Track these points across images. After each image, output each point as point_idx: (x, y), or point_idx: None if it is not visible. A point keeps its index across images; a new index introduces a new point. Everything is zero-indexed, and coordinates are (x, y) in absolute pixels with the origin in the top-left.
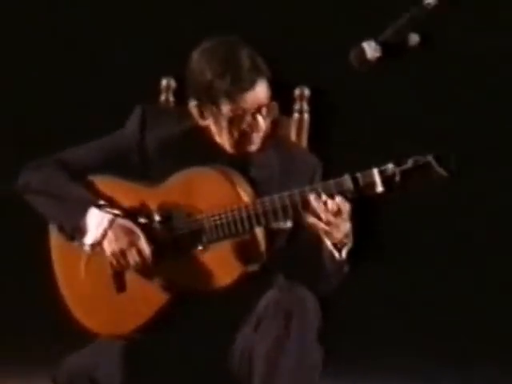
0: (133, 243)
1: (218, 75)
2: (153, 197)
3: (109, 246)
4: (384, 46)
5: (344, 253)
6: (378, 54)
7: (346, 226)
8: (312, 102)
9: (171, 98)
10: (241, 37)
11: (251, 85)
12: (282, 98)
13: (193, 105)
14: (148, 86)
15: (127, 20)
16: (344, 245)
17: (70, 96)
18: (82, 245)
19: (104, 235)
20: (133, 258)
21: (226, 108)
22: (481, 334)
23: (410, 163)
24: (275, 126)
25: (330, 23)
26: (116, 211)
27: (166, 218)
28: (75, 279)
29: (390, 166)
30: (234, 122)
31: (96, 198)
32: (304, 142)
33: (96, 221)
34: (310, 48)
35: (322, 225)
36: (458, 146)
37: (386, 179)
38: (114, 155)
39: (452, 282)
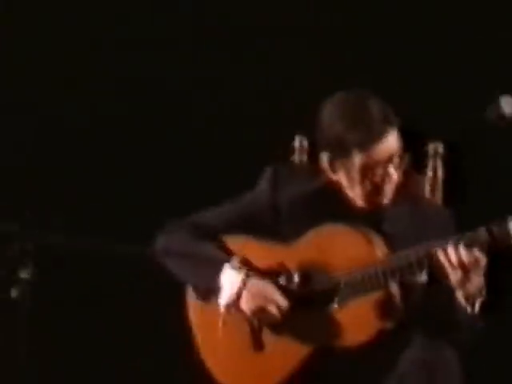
0: (269, 299)
1: (350, 127)
2: (288, 256)
3: (245, 305)
4: None
5: (477, 307)
6: None
7: (480, 280)
8: (445, 157)
9: (304, 158)
10: (372, 90)
11: (383, 135)
12: (414, 151)
13: (325, 158)
14: (279, 146)
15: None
16: (477, 299)
17: (202, 156)
18: (218, 305)
19: (239, 294)
20: (271, 313)
21: (358, 160)
22: None
23: None
24: (407, 178)
25: (462, 74)
26: (248, 269)
27: (305, 277)
28: (213, 340)
29: None
30: (366, 173)
31: (229, 257)
32: (438, 200)
33: (231, 280)
34: (442, 99)
35: (456, 278)
36: None
37: None
38: (246, 217)
39: None
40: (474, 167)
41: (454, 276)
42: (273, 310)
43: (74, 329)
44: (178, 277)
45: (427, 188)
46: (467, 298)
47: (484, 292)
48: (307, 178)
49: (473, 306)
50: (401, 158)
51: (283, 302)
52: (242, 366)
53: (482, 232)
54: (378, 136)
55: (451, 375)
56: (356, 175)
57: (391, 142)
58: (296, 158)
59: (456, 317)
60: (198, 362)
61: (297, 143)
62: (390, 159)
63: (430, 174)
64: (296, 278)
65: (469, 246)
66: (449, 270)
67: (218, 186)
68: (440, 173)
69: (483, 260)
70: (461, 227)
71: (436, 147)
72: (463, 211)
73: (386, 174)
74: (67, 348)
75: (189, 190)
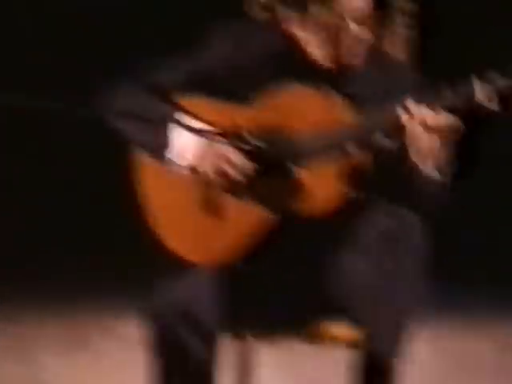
0: (228, 160)
1: None
2: (246, 117)
3: (204, 165)
4: None
5: (446, 175)
6: None
7: (449, 146)
8: (416, 15)
9: (264, 13)
10: None
11: None
12: (383, 10)
13: (287, 15)
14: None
15: None
16: (445, 166)
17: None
18: (172, 165)
19: (196, 155)
20: (232, 174)
21: (324, 18)
22: None
23: None
24: (376, 38)
25: None
26: (208, 131)
27: (261, 140)
28: (166, 205)
29: (506, 82)
30: (335, 33)
31: (185, 117)
32: (407, 59)
33: (186, 140)
34: None
35: (425, 142)
36: None
37: (501, 96)
38: (201, 74)
39: None
40: (443, 25)
41: (423, 142)
42: (233, 171)
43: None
44: (128, 137)
45: (396, 47)
46: (436, 165)
47: (454, 160)
48: (269, 35)
49: (441, 174)
50: (368, 16)
51: (245, 163)
52: (195, 231)
53: (456, 95)
54: None
55: (413, 244)
56: (323, 34)
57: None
58: (255, 12)
59: (422, 183)
60: (147, 225)
61: None
62: (359, 18)
63: (397, 31)
64: (254, 141)
65: (441, 109)
66: (418, 134)
67: (169, 41)
68: (408, 31)
69: (455, 125)
70: (429, 87)
71: (404, 5)
72: (431, 71)
73: (355, 34)
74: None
75: (138, 50)
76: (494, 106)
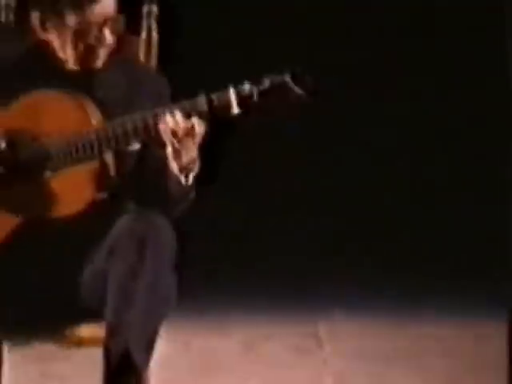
0: None
1: None
2: None
3: None
4: None
5: (190, 178)
6: None
7: (194, 150)
8: (161, 19)
9: (11, 17)
10: None
11: None
12: (129, 14)
13: (35, 17)
14: None
15: None
16: (190, 170)
17: None
18: None
19: None
20: None
21: (71, 20)
22: None
23: (267, 83)
24: (122, 43)
25: None
26: None
27: (12, 144)
28: None
29: (247, 86)
30: (79, 34)
31: None
32: (153, 62)
33: None
34: None
35: (172, 146)
36: (315, 66)
37: (243, 100)
38: None
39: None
40: (190, 30)
41: (170, 146)
42: None
43: None
44: None
45: (142, 52)
46: (181, 169)
47: (198, 164)
48: (16, 38)
49: (186, 177)
50: (115, 20)
51: None
52: None
53: (201, 100)
54: None
55: (162, 244)
56: (68, 36)
57: (107, 3)
58: (1, 16)
59: (168, 187)
60: None
61: (2, 1)
62: (104, 22)
63: (144, 36)
64: (2, 145)
65: (187, 114)
66: (165, 138)
67: None
68: (154, 35)
69: (201, 128)
70: (179, 96)
71: (150, 7)
72: (180, 78)
73: (100, 37)
74: None
75: None
76: (236, 110)
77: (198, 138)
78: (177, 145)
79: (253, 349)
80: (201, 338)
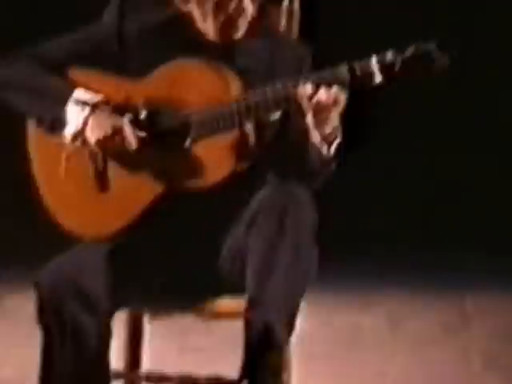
0: (117, 129)
1: None
2: (137, 91)
3: (92, 135)
4: None
5: (332, 149)
6: None
7: (336, 120)
8: None
9: None
10: None
11: None
12: None
13: None
14: None
15: None
16: (333, 140)
17: None
18: (62, 137)
19: (85, 124)
20: (119, 144)
21: None
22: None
23: (410, 51)
24: (263, 12)
25: None
26: (97, 98)
27: (153, 113)
28: (55, 178)
29: (390, 54)
30: (219, 5)
31: (75, 89)
32: (294, 32)
33: (77, 111)
34: None
35: (314, 115)
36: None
37: (385, 69)
38: (92, 48)
39: (442, 177)
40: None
41: (312, 115)
42: (118, 140)
43: None
44: (20, 111)
45: (283, 21)
46: (323, 139)
47: (340, 133)
48: (157, 9)
49: (329, 146)
50: None
51: (131, 134)
52: (86, 207)
53: (343, 68)
54: None
55: (303, 218)
56: (209, 7)
57: None
58: None
59: (310, 157)
60: (39, 200)
61: None
62: None
63: (285, 5)
64: (143, 115)
65: (328, 84)
66: (307, 108)
67: (60, 16)
68: (296, 5)
69: (342, 97)
70: (317, 64)
71: None
72: (320, 47)
73: (240, 7)
74: None
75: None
76: (378, 78)
77: (341, 107)
78: (319, 114)
79: (398, 326)
80: (343, 313)
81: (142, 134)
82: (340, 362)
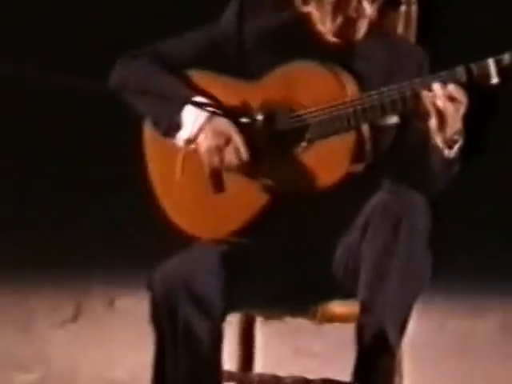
0: (229, 141)
1: None
2: (253, 93)
3: (204, 142)
4: None
5: (455, 150)
6: None
7: (459, 121)
8: None
9: None
10: None
11: None
12: None
13: None
14: None
15: None
16: (455, 142)
17: None
18: (176, 141)
19: (200, 131)
20: (229, 155)
21: None
22: None
23: None
24: (381, 15)
25: None
26: (214, 109)
27: (269, 116)
28: (171, 179)
29: (508, 56)
30: (338, 6)
31: (194, 94)
32: (412, 35)
33: (193, 116)
34: None
35: (437, 117)
36: None
37: (503, 70)
38: (212, 48)
39: None
40: (450, 4)
41: (435, 117)
42: (229, 152)
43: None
44: (137, 110)
45: (401, 25)
46: (445, 141)
47: (462, 135)
48: (276, 10)
49: (450, 149)
50: None
51: (241, 146)
52: (201, 208)
53: (460, 70)
54: None
55: (418, 224)
56: (328, 8)
57: None
58: None
59: (430, 161)
60: (153, 201)
61: None
62: None
63: (403, 9)
64: (260, 117)
65: (445, 85)
66: (430, 110)
67: (179, 16)
68: (414, 8)
69: (464, 98)
70: (434, 67)
71: None
72: (437, 50)
73: (360, 8)
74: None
75: (149, 22)
76: (495, 79)
77: (463, 109)
78: (443, 116)
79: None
80: (456, 319)
81: (247, 148)
82: (452, 367)
